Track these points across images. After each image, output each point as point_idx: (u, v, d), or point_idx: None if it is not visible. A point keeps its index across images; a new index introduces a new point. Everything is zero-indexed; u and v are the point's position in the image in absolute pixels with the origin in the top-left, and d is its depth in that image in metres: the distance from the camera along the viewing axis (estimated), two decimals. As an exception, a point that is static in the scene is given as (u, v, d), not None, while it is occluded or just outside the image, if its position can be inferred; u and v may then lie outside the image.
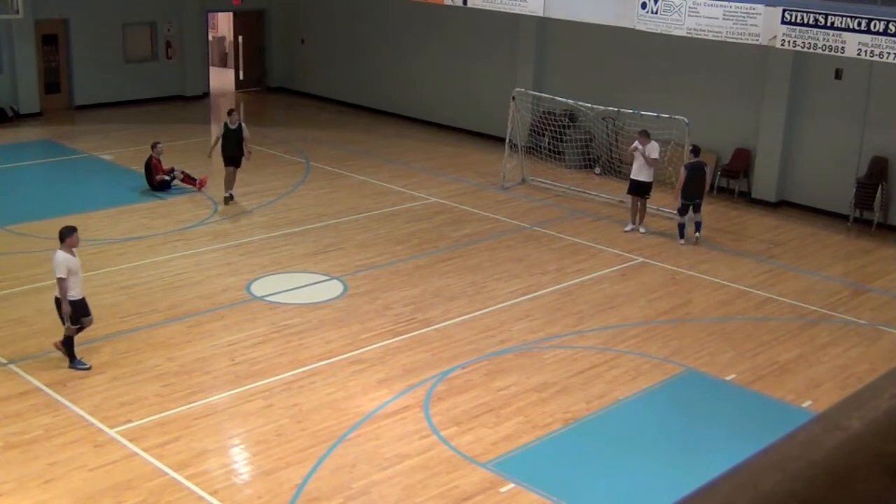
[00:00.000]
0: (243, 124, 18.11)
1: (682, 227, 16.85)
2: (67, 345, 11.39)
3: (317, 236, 16.49)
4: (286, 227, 16.84)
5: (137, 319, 12.84)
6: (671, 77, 20.52)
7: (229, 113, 18.17)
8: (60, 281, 11.10)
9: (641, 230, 17.27)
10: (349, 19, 27.01)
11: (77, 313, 11.29)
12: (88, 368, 11.36)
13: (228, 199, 17.98)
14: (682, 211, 16.72)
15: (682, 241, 16.81)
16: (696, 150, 16.61)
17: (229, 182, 18.01)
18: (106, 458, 9.53)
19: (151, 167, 18.57)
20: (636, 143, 17.15)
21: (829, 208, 18.78)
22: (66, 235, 11.30)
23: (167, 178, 18.61)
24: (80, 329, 11.44)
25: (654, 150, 17.00)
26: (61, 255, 11.17)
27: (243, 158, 17.98)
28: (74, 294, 11.23)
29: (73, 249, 11.34)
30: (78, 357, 11.42)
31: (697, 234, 16.94)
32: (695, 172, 16.49)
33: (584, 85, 21.32)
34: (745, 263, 16.03)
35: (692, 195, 16.56)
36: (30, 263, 14.65)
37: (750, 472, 0.95)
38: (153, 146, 18.71)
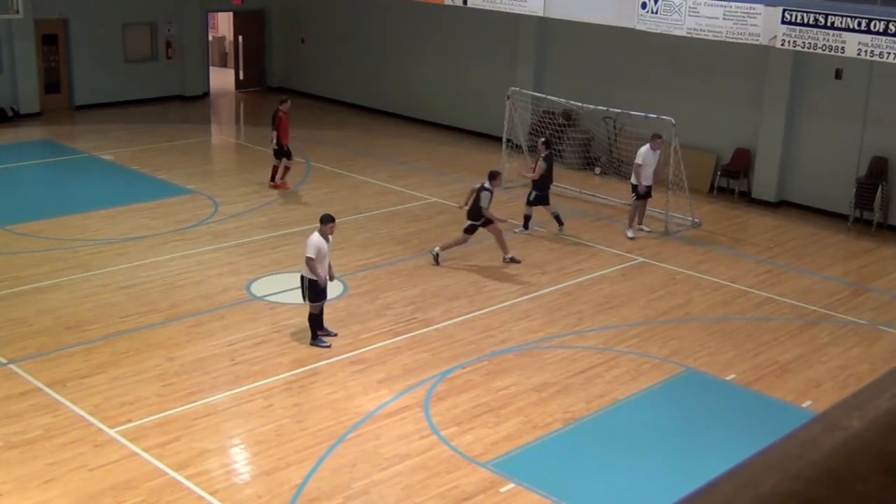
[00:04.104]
0: None
1: (528, 218, 17.07)
2: (313, 322, 12.07)
3: (317, 236, 16.49)
4: (286, 227, 16.83)
5: (137, 319, 12.84)
6: (671, 77, 20.52)
7: (494, 176, 15.12)
8: (309, 260, 11.73)
9: (645, 229, 17.28)
10: (349, 19, 27.01)
11: (318, 293, 11.92)
12: (328, 347, 12.03)
13: (512, 261, 15.50)
14: (547, 201, 16.88)
15: (528, 231, 16.99)
16: (548, 143, 17.15)
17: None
18: (106, 458, 9.53)
19: (283, 123, 18.67)
20: (647, 155, 16.85)
21: (829, 208, 18.78)
22: (324, 222, 12.05)
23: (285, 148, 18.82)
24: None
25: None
26: (316, 237, 11.86)
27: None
28: (321, 274, 11.85)
29: (329, 236, 11.99)
30: (320, 335, 12.09)
31: (562, 226, 17.07)
32: (552, 164, 16.94)
33: (584, 85, 21.32)
34: (745, 263, 16.03)
35: (549, 186, 16.90)
36: (30, 263, 14.66)
37: (750, 472, 0.95)
38: (282, 101, 19.09)
